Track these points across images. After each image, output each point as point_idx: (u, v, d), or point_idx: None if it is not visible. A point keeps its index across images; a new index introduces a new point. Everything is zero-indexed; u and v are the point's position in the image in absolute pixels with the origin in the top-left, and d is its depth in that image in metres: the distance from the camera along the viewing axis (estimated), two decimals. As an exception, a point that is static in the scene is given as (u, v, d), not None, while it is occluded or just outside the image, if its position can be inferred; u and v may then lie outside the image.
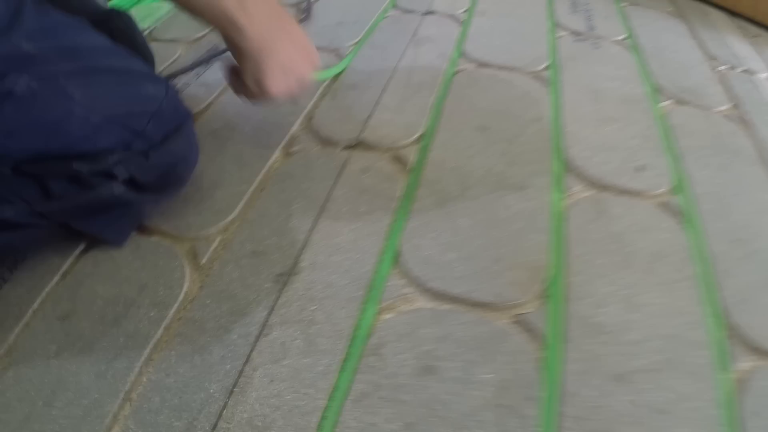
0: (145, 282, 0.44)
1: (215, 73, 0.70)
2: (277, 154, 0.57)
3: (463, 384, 0.37)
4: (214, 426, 0.35)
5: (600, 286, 0.43)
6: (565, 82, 0.68)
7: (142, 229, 0.48)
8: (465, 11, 0.86)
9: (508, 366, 0.38)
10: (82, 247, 0.47)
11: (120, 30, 0.51)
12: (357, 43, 0.77)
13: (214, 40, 0.77)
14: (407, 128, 0.59)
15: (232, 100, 0.63)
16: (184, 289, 0.44)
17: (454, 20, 0.83)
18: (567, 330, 0.40)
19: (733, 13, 0.91)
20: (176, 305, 0.42)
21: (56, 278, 0.45)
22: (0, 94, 0.37)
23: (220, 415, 0.36)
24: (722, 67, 0.74)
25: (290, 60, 0.47)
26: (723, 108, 0.66)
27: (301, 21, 0.86)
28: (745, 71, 0.75)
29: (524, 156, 0.55)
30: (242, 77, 0.48)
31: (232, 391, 0.37)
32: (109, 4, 0.72)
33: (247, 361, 0.39)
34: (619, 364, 0.38)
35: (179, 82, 0.69)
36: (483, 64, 0.71)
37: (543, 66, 0.71)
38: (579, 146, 0.57)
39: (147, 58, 0.54)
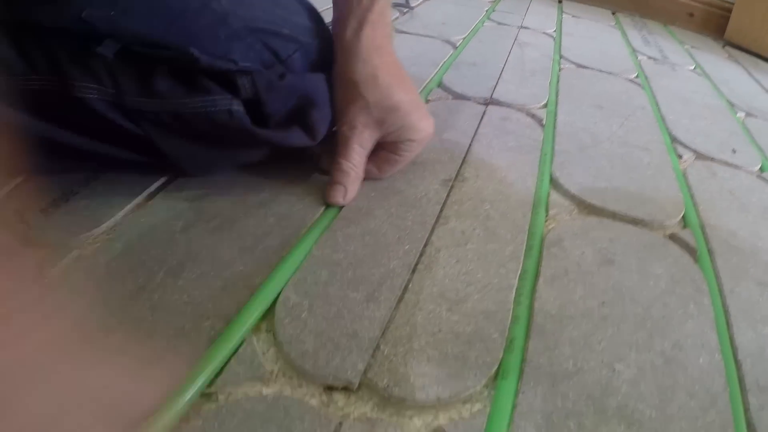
0: (293, 179, 0.44)
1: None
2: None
3: (641, 275, 0.41)
4: (400, 298, 0.35)
5: (728, 222, 0.50)
6: (654, 89, 0.79)
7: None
8: (554, 31, 0.98)
9: (673, 266, 0.43)
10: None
11: None
12: (465, 38, 0.87)
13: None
14: (532, 97, 0.68)
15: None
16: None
17: (546, 35, 0.95)
18: (712, 248, 0.46)
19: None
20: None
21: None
22: None
23: (406, 287, 0.36)
24: (778, 99, 0.87)
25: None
26: (788, 125, 0.78)
27: (402, 10, 0.96)
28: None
29: (639, 129, 0.64)
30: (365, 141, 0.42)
31: (415, 268, 0.37)
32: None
33: (427, 243, 0.40)
34: (757, 274, 0.44)
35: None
36: (582, 66, 0.82)
37: (633, 75, 0.82)
38: (680, 129, 0.67)
39: None
